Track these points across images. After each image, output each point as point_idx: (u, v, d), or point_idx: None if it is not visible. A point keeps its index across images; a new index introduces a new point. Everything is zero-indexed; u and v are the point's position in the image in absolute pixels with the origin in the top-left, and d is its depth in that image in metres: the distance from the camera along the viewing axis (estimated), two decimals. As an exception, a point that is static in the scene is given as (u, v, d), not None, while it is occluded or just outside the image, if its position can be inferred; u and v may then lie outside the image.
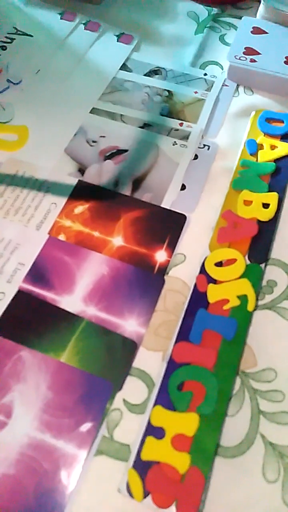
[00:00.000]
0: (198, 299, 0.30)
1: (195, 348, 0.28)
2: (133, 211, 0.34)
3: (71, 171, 0.36)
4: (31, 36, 0.45)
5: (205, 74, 0.43)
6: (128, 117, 0.39)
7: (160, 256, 0.32)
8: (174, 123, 0.39)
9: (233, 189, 0.35)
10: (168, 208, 0.34)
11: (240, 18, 0.46)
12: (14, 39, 0.44)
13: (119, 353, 0.28)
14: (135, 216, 0.34)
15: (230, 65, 0.42)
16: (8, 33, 0.45)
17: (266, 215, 0.33)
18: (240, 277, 0.31)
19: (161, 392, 0.27)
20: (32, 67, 0.42)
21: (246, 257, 0.32)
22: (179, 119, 0.39)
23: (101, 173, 0.36)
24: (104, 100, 0.41)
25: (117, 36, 0.46)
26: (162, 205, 0.34)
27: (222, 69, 0.44)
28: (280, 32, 0.44)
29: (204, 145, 0.38)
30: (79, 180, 0.35)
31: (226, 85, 0.42)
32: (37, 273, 0.31)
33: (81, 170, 0.36)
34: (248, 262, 0.32)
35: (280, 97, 0.41)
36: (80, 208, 0.34)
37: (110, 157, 0.37)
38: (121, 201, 0.34)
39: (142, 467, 0.25)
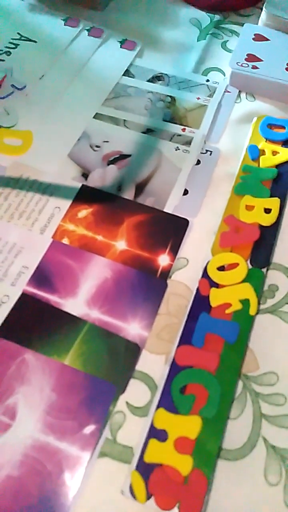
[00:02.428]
0: (200, 303, 0.30)
1: (197, 352, 0.28)
2: (136, 216, 0.34)
3: (75, 175, 0.36)
4: (35, 41, 0.45)
5: (208, 80, 0.43)
6: (131, 122, 0.40)
7: (163, 260, 0.32)
8: (176, 128, 0.40)
9: (235, 194, 0.35)
10: (170, 212, 0.34)
11: (242, 25, 0.46)
12: (18, 44, 0.45)
13: (122, 356, 0.28)
14: (138, 220, 0.34)
15: (232, 71, 0.42)
16: (12, 39, 0.45)
17: (268, 220, 0.34)
18: (242, 281, 0.31)
19: (164, 395, 0.27)
20: (36, 73, 0.43)
21: (248, 262, 0.32)
22: (181, 124, 0.40)
23: (105, 178, 0.36)
24: (107, 105, 0.41)
25: (120, 42, 0.46)
26: (165, 210, 0.35)
27: (224, 75, 0.44)
28: (282, 39, 0.44)
29: (207, 151, 0.38)
30: (82, 185, 0.36)
31: (228, 91, 0.43)
32: (41, 277, 0.31)
33: (85, 175, 0.36)
34: (250, 266, 0.32)
35: (282, 104, 0.42)
36: (84, 212, 0.34)
37: (113, 162, 0.37)
38: (124, 205, 0.35)
39: (145, 469, 0.25)
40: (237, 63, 0.42)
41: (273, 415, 0.27)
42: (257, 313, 0.30)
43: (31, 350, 0.28)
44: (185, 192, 0.36)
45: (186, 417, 0.26)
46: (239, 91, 0.43)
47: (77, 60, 0.44)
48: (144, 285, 0.31)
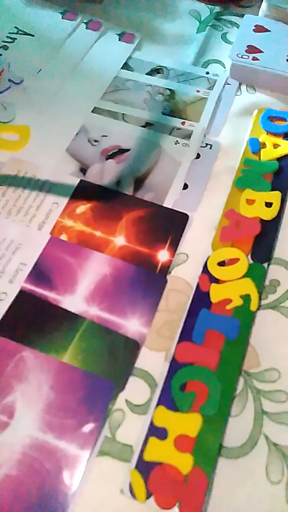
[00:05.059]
0: (200, 299, 0.30)
1: (197, 348, 0.28)
2: (135, 211, 0.34)
3: (73, 170, 0.36)
4: (33, 35, 0.45)
5: (207, 73, 0.43)
6: (130, 116, 0.39)
7: (163, 255, 0.32)
8: (176, 122, 0.39)
9: (235, 188, 0.35)
10: (170, 207, 0.34)
11: (242, 16, 0.45)
12: (16, 38, 0.44)
13: (121, 353, 0.28)
14: (137, 215, 0.33)
15: (232, 63, 0.41)
16: (10, 33, 0.45)
17: (269, 214, 0.33)
18: (243, 276, 0.31)
19: (163, 393, 0.27)
20: (34, 67, 0.42)
21: (249, 257, 0.32)
22: (181, 118, 0.39)
23: (103, 173, 0.36)
24: (106, 99, 0.40)
25: (118, 35, 0.45)
26: (164, 205, 0.34)
27: (224, 67, 0.43)
28: (283, 30, 0.43)
29: (206, 144, 0.38)
30: (81, 180, 0.35)
31: (228, 84, 0.42)
32: (39, 273, 0.30)
33: (83, 170, 0.36)
34: (251, 261, 0.31)
35: (283, 96, 0.41)
36: (82, 207, 0.34)
37: (112, 156, 0.37)
38: (123, 200, 0.34)
39: (144, 468, 0.24)
40: (237, 54, 0.41)
41: (275, 412, 0.27)
42: (258, 309, 0.30)
43: (29, 347, 0.28)
44: (185, 186, 0.35)
45: (186, 414, 0.26)
46: (240, 83, 0.42)
47: (75, 54, 0.44)
48: (144, 281, 0.31)
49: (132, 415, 0.26)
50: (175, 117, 0.39)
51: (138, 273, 0.31)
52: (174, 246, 0.32)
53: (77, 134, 0.38)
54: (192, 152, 0.37)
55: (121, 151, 0.37)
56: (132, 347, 0.28)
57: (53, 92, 0.41)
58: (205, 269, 0.31)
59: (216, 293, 0.30)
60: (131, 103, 0.40)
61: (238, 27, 0.46)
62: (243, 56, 0.41)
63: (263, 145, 0.37)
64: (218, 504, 0.24)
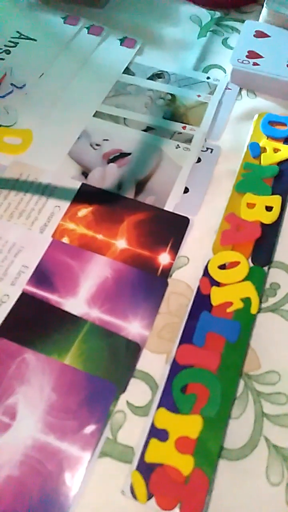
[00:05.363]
0: (201, 302, 0.30)
1: (198, 351, 0.28)
2: (137, 214, 0.34)
3: (75, 174, 0.36)
4: (35, 40, 0.45)
5: (208, 78, 0.43)
6: (132, 120, 0.40)
7: (164, 258, 0.32)
8: (177, 126, 0.39)
9: (236, 192, 0.35)
10: (171, 211, 0.34)
11: (243, 21, 0.46)
12: (18, 43, 0.45)
13: (122, 355, 0.28)
14: (139, 219, 0.34)
15: (233, 68, 0.42)
16: (12, 37, 0.45)
17: (269, 218, 0.33)
18: (244, 279, 0.31)
19: (164, 395, 0.27)
20: (36, 71, 0.43)
21: (250, 260, 0.32)
22: (182, 122, 0.40)
23: (105, 176, 0.36)
24: (108, 103, 0.41)
25: (120, 40, 0.46)
26: (165, 208, 0.34)
27: (225, 72, 0.44)
28: (283, 35, 0.44)
29: (207, 148, 0.38)
30: (82, 183, 0.35)
31: (229, 89, 0.42)
32: (41, 276, 0.31)
33: (85, 173, 0.36)
34: (252, 264, 0.32)
35: (283, 100, 0.41)
36: (84, 211, 0.34)
37: (113, 160, 0.37)
38: (124, 204, 0.35)
39: (146, 469, 0.25)
40: (238, 60, 0.42)
41: (275, 414, 0.27)
42: (258, 312, 0.30)
43: (31, 349, 0.28)
44: (186, 190, 0.36)
45: (187, 416, 0.26)
46: (240, 88, 0.42)
47: (77, 58, 0.44)
48: (145, 284, 0.31)
49: (133, 417, 0.26)
50: (176, 121, 0.40)
51: (139, 276, 0.31)
52: (175, 249, 0.32)
53: (79, 138, 0.38)
54: (193, 156, 0.37)
55: (123, 155, 0.37)
56: (133, 349, 0.28)
57: (55, 96, 0.41)
58: (205, 272, 0.31)
59: (216, 296, 0.30)
60: (133, 107, 0.41)
61: (238, 33, 0.47)
62: (244, 61, 0.41)
63: (264, 150, 0.37)
64: (219, 505, 0.24)
